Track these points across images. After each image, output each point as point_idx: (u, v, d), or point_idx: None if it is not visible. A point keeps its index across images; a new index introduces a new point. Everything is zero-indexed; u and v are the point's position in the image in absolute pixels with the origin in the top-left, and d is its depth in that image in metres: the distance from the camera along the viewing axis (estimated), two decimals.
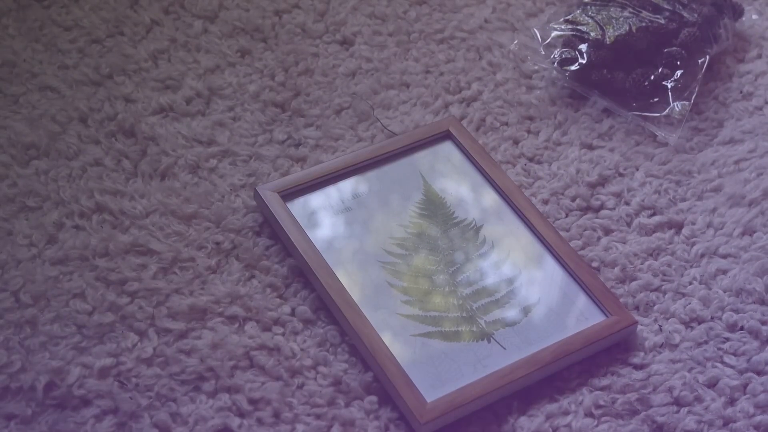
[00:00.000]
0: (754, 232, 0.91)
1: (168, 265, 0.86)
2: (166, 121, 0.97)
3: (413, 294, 0.84)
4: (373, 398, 0.79)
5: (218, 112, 0.98)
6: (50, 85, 0.99)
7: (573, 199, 0.93)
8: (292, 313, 0.84)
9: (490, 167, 0.92)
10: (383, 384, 0.79)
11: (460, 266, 0.87)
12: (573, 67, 0.99)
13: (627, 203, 0.93)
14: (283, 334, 0.83)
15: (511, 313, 0.84)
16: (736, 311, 0.85)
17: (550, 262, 0.87)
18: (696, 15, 1.02)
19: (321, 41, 1.05)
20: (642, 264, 0.88)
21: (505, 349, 0.81)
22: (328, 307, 0.84)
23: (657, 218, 0.92)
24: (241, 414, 0.78)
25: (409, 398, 0.77)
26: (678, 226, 0.91)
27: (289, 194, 0.89)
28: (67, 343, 0.81)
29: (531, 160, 0.96)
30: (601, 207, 0.93)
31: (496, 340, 0.82)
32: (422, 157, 0.94)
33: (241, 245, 0.88)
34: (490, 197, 0.91)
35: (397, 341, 0.81)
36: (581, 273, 0.85)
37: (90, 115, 0.97)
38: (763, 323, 0.85)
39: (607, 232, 0.91)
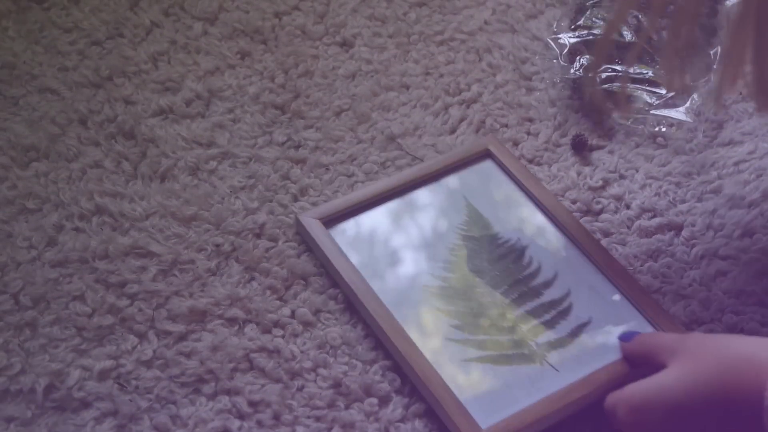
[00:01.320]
0: (754, 233, 0.91)
1: (168, 267, 0.86)
2: (165, 123, 0.97)
3: (462, 318, 0.82)
4: (373, 400, 0.79)
5: (218, 114, 0.98)
6: (50, 87, 0.99)
7: (573, 202, 0.93)
8: (292, 316, 0.84)
9: (532, 185, 0.91)
10: (436, 412, 0.78)
11: (507, 288, 0.84)
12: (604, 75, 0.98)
13: (627, 205, 0.93)
14: (282, 337, 0.83)
15: (562, 334, 0.81)
16: (736, 313, 0.85)
17: (599, 281, 0.85)
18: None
19: (321, 43, 1.06)
20: (642, 266, 0.88)
21: (558, 371, 0.79)
22: (328, 310, 0.84)
23: (657, 220, 0.92)
24: (241, 416, 0.78)
25: (464, 426, 0.75)
26: (678, 228, 0.91)
27: (331, 221, 0.88)
28: (67, 345, 0.81)
29: (531, 161, 0.96)
30: (602, 209, 0.93)
31: (548, 363, 0.79)
32: (463, 178, 0.92)
33: (240, 247, 0.88)
34: (533, 216, 0.89)
35: (449, 368, 0.79)
36: (632, 291, 0.83)
37: (90, 117, 0.97)
38: (763, 325, 0.85)
39: (607, 234, 0.91)
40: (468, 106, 1.00)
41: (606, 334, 0.81)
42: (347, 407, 0.79)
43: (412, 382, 0.80)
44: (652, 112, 0.98)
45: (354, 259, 0.85)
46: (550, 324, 0.82)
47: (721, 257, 0.89)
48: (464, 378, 0.78)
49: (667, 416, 0.70)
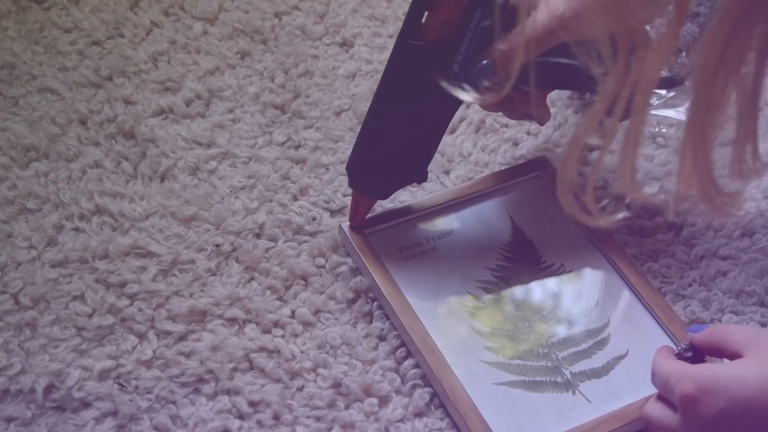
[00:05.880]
0: (754, 233, 0.91)
1: (168, 267, 0.86)
2: (165, 123, 0.97)
3: (497, 341, 0.81)
4: (373, 400, 0.79)
5: (218, 114, 0.98)
6: (50, 87, 0.99)
7: None
8: (292, 315, 0.84)
9: None
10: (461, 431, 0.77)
11: (546, 313, 0.83)
12: None
13: (627, 205, 0.93)
14: (282, 337, 0.83)
15: (598, 364, 0.80)
16: (736, 313, 0.85)
17: (640, 313, 0.83)
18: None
19: (321, 43, 1.06)
20: (642, 266, 0.88)
21: (590, 402, 0.78)
22: (328, 310, 0.84)
23: (657, 219, 0.92)
24: (241, 416, 0.78)
25: None
26: (678, 228, 0.91)
27: (374, 232, 0.87)
28: (67, 345, 0.81)
29: None
30: (601, 209, 0.92)
31: (581, 393, 0.78)
32: (511, 199, 0.90)
33: (240, 247, 0.88)
34: (579, 242, 0.88)
35: (479, 389, 0.78)
36: (673, 327, 0.82)
37: (90, 117, 0.97)
38: (763, 325, 0.85)
39: (608, 234, 0.91)
40: (468, 106, 1.00)
41: (642, 368, 0.79)
42: (347, 407, 0.79)
43: (441, 400, 0.79)
44: (652, 112, 0.98)
45: (394, 272, 0.84)
46: (586, 353, 0.81)
47: (720, 257, 0.89)
48: (494, 401, 0.77)
49: (730, 408, 0.67)
